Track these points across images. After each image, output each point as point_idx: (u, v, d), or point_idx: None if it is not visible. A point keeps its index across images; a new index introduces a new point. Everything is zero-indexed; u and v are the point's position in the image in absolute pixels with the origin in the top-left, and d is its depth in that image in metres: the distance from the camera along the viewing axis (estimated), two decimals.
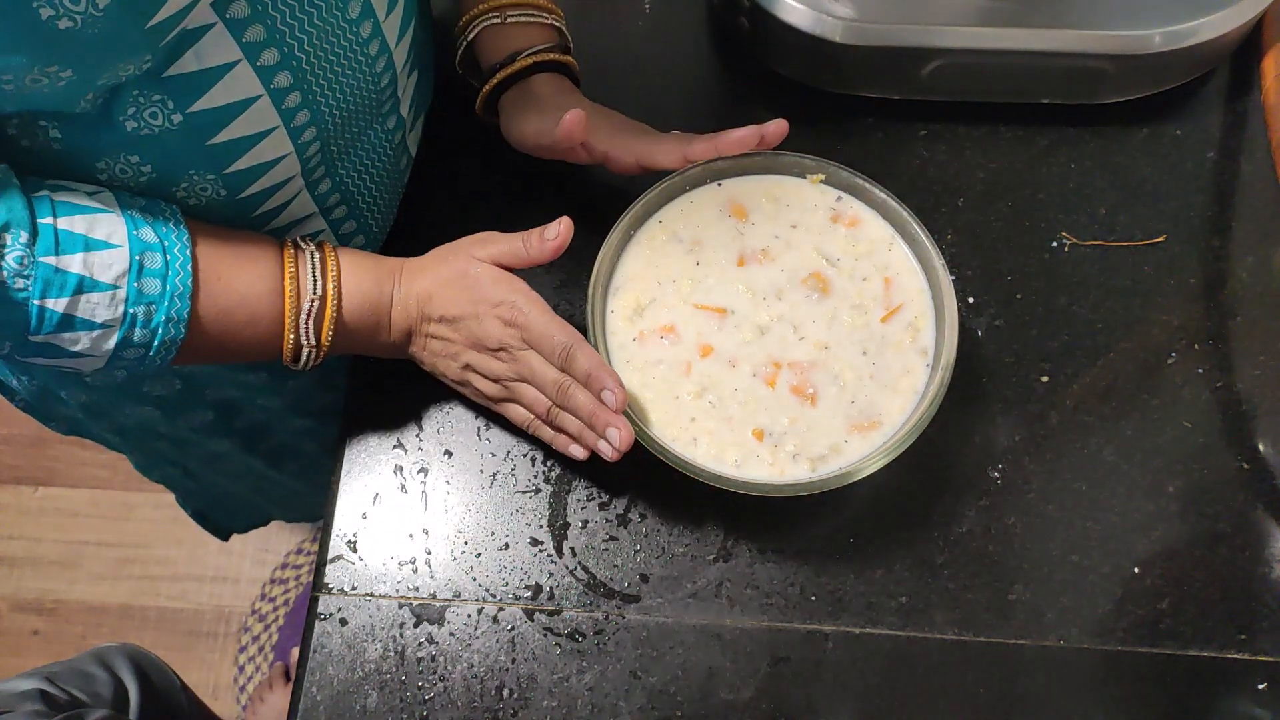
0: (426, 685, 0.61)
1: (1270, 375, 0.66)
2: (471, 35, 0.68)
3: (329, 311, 0.58)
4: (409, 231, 0.73)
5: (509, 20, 0.67)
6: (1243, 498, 0.63)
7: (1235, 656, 0.60)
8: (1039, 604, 0.61)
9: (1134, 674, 0.60)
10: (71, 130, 0.50)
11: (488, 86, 0.68)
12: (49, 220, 0.49)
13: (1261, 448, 0.65)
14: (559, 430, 0.61)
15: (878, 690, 0.60)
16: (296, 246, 0.59)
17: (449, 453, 0.66)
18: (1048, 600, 0.61)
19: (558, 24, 0.69)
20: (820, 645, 0.61)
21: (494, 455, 0.66)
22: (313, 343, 0.58)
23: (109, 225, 0.51)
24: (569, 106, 0.63)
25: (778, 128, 0.63)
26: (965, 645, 0.61)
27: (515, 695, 0.61)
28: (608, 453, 0.58)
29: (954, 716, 0.60)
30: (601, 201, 0.67)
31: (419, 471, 0.66)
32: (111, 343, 0.52)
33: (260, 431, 0.89)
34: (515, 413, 0.63)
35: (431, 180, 0.74)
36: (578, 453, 0.61)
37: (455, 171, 0.75)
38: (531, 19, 0.67)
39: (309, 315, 0.58)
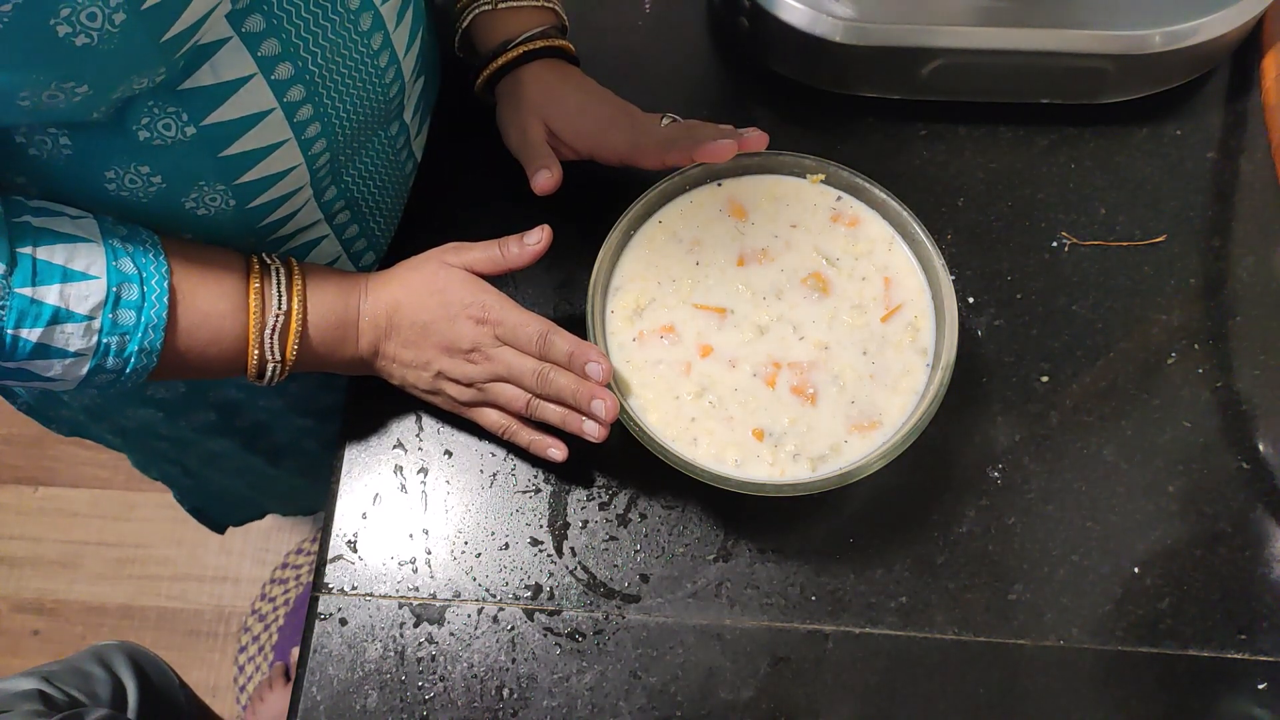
0: (426, 685, 0.61)
1: (1270, 375, 0.66)
2: (465, 22, 0.68)
3: (294, 326, 0.58)
4: (413, 236, 0.73)
5: (500, 7, 0.67)
6: (1243, 498, 0.63)
7: (1235, 656, 0.60)
8: (1039, 604, 0.61)
9: (1134, 674, 0.60)
10: (82, 139, 0.50)
11: (481, 78, 0.68)
12: (28, 250, 0.49)
13: (1261, 448, 0.65)
14: (538, 427, 0.62)
15: (878, 690, 0.60)
16: (263, 263, 0.58)
17: (449, 453, 0.66)
18: (1048, 600, 0.61)
19: (551, 5, 0.69)
20: (820, 645, 0.61)
21: (494, 455, 0.66)
22: (277, 358, 0.58)
23: (89, 255, 0.51)
24: (552, 113, 0.66)
25: (758, 139, 0.63)
26: (965, 645, 0.61)
27: (515, 695, 0.61)
28: (594, 432, 0.58)
29: (954, 716, 0.60)
30: (601, 201, 0.67)
31: (419, 471, 0.66)
32: (84, 370, 0.52)
33: (261, 431, 0.89)
34: (489, 418, 0.63)
35: (435, 184, 0.74)
36: (556, 455, 0.61)
37: (458, 175, 0.75)
38: (524, 3, 0.68)
39: (274, 331, 0.57)
